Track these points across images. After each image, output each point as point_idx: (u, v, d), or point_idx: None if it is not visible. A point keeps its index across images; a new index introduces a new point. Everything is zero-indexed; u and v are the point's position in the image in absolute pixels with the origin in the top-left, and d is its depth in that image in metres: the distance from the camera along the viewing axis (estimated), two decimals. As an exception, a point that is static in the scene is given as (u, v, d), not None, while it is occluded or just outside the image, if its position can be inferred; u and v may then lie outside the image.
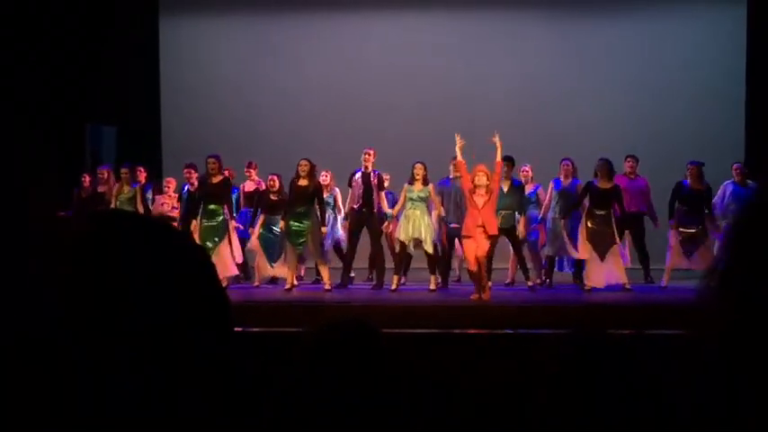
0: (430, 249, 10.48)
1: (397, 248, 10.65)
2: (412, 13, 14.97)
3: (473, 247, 9.66)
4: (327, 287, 10.66)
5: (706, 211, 10.74)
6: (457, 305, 9.53)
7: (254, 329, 6.71)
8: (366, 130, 14.02)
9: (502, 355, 5.73)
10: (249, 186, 12.01)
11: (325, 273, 10.77)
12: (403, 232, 10.49)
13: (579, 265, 10.91)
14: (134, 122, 14.74)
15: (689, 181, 10.72)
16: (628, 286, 10.35)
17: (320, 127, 14.55)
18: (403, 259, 10.79)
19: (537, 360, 1.74)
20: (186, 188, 11.56)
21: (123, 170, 11.99)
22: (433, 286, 10.59)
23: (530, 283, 10.58)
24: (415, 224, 10.44)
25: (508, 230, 10.51)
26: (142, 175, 12.20)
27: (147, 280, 0.98)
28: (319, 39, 15.06)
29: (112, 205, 11.38)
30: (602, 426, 1.63)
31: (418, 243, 10.50)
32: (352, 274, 11.27)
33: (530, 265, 10.93)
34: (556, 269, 11.43)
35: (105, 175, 12.04)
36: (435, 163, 11.06)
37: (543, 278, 11.27)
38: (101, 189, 11.93)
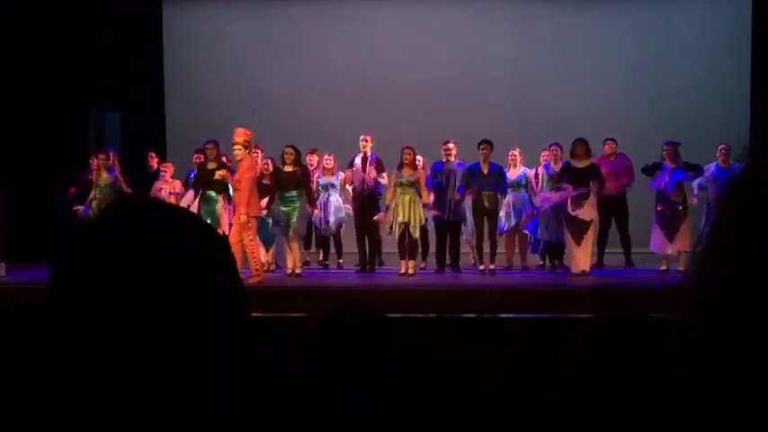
0: (416, 234, 10.59)
1: (396, 234, 10.68)
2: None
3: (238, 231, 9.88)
4: (291, 271, 10.65)
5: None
6: (469, 290, 9.53)
7: (257, 314, 6.72)
8: (369, 114, 14.00)
9: (517, 341, 5.71)
10: None
11: (292, 256, 10.68)
12: (396, 216, 10.61)
13: (559, 249, 10.93)
14: (138, 108, 14.72)
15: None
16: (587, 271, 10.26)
17: (325, 111, 14.52)
18: (404, 243, 10.70)
19: (560, 347, 1.56)
20: (193, 174, 11.47)
21: (101, 156, 11.59)
22: (411, 271, 10.60)
23: (482, 267, 10.66)
24: (405, 209, 10.54)
25: (490, 212, 10.62)
26: (154, 161, 12.19)
27: (168, 268, 0.98)
28: (323, 23, 15.01)
29: (92, 192, 11.27)
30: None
31: (405, 227, 10.57)
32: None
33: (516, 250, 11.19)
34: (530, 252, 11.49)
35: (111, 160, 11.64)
36: (436, 146, 11.07)
37: (545, 262, 11.37)
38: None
